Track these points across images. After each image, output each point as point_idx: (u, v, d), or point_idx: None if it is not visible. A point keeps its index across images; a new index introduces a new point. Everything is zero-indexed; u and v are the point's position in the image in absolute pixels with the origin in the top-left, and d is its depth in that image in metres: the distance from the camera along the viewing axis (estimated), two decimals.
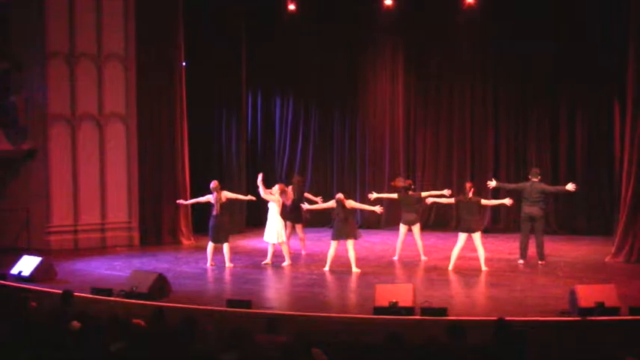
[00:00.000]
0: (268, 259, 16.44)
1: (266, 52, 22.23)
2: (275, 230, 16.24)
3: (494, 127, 21.23)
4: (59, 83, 18.73)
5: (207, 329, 9.08)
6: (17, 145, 18.90)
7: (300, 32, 21.82)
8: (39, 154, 18.79)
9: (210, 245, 16.32)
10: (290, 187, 17.40)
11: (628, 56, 16.50)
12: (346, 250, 15.66)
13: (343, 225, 15.53)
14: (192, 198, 19.64)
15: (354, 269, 15.45)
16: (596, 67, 19.78)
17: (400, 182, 17.16)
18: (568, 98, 20.64)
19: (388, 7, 20.38)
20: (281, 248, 16.41)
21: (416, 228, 16.68)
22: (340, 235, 15.59)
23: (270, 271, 15.91)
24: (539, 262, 15.94)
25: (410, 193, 16.77)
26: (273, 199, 16.38)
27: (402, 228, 16.75)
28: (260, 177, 16.63)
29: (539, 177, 16.23)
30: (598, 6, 19.16)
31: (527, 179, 16.34)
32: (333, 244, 15.69)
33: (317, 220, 21.03)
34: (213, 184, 16.42)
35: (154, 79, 19.43)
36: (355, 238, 15.62)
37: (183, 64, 19.87)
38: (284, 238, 16.39)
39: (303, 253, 17.61)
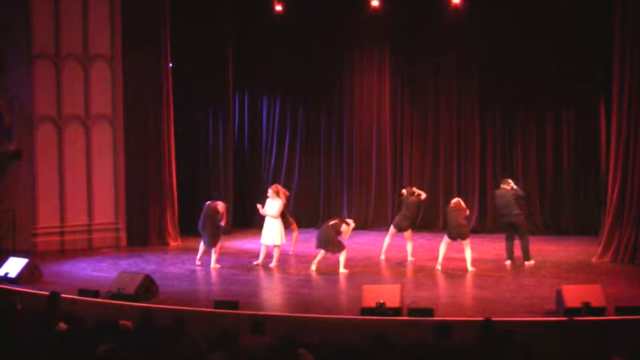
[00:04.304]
0: (260, 260, 16.44)
1: (253, 52, 22.20)
2: (277, 233, 16.27)
3: (481, 129, 21.25)
4: (45, 84, 18.68)
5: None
6: (3, 146, 18.83)
7: (287, 32, 21.81)
8: (25, 155, 18.73)
9: (202, 244, 16.40)
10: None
11: (613, 59, 16.58)
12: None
13: (333, 237, 15.58)
14: (178, 198, 19.78)
15: (342, 270, 15.49)
16: (582, 70, 19.85)
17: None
18: (555, 99, 20.69)
19: (375, 7, 20.44)
20: (273, 250, 16.42)
21: (407, 232, 16.78)
22: (329, 248, 15.63)
23: (257, 272, 15.93)
24: (526, 263, 16.00)
25: (412, 198, 16.85)
26: (277, 205, 16.34)
27: (392, 230, 16.85)
28: (259, 207, 16.55)
29: (510, 185, 16.40)
30: (584, 10, 19.23)
31: (499, 188, 16.48)
32: (322, 252, 15.77)
33: (305, 221, 21.09)
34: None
35: (140, 80, 19.40)
36: (344, 248, 15.67)
37: (170, 64, 19.86)
38: (282, 241, 16.42)
39: (292, 251, 17.64)
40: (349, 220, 15.80)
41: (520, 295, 13.34)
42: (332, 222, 15.89)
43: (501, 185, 16.60)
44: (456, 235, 15.53)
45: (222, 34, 21.48)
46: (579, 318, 11.22)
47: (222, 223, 16.36)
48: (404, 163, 21.90)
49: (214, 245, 16.23)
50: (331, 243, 15.53)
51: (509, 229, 16.27)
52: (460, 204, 15.96)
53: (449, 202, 16.38)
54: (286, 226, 17.24)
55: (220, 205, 16.36)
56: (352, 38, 22.10)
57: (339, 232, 15.53)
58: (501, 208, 16.31)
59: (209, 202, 16.56)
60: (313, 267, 15.73)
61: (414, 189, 17.18)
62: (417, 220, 20.96)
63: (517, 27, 20.28)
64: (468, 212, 16.16)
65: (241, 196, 22.18)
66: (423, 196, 17.07)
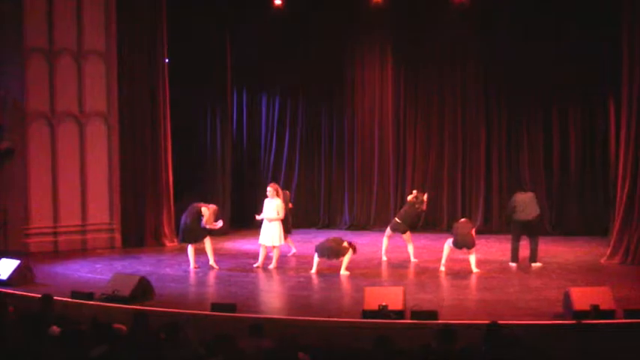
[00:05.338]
0: (260, 262, 16.33)
1: (252, 48, 22.19)
2: (276, 233, 16.16)
3: (486, 127, 21.26)
4: (38, 80, 18.65)
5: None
6: None
7: (287, 28, 21.79)
8: (17, 153, 18.71)
9: (190, 248, 16.29)
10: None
11: (622, 56, 16.57)
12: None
13: (335, 247, 15.59)
14: (175, 199, 19.74)
15: (343, 272, 15.45)
16: (590, 67, 19.84)
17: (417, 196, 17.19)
18: (562, 98, 20.69)
19: (377, 2, 20.45)
20: (272, 251, 16.35)
21: (405, 235, 16.75)
22: (332, 255, 15.61)
23: (256, 274, 15.90)
24: (532, 265, 15.97)
25: (417, 205, 16.83)
26: (276, 205, 16.21)
27: (388, 231, 16.90)
28: (257, 217, 16.46)
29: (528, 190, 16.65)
30: (592, 7, 19.21)
31: (516, 194, 16.48)
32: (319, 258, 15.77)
33: (305, 221, 21.07)
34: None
35: (136, 76, 19.40)
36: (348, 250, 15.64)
37: (166, 60, 19.83)
38: (281, 242, 16.32)
39: (293, 252, 17.65)
40: (355, 244, 15.75)
41: (526, 298, 13.30)
42: (335, 236, 15.99)
43: (524, 190, 16.73)
44: (462, 244, 15.53)
45: (221, 29, 21.49)
46: (588, 321, 11.19)
47: (208, 226, 16.16)
48: (407, 161, 21.91)
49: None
50: (333, 252, 15.52)
51: (520, 229, 16.15)
52: (468, 221, 16.12)
53: (456, 219, 16.63)
54: (287, 230, 17.12)
55: (206, 208, 16.20)
56: (354, 33, 22.11)
57: (340, 244, 15.55)
58: (522, 205, 16.07)
59: (195, 203, 16.47)
60: (313, 270, 15.69)
61: (425, 197, 17.17)
62: (419, 224, 20.86)
63: (523, 21, 20.28)
64: (475, 233, 16.07)
65: (240, 196, 22.17)
66: (424, 207, 17.17)
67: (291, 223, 17.71)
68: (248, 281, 15.26)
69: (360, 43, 22.21)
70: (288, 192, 18.50)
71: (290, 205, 17.79)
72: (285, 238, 16.96)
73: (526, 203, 16.09)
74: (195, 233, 16.11)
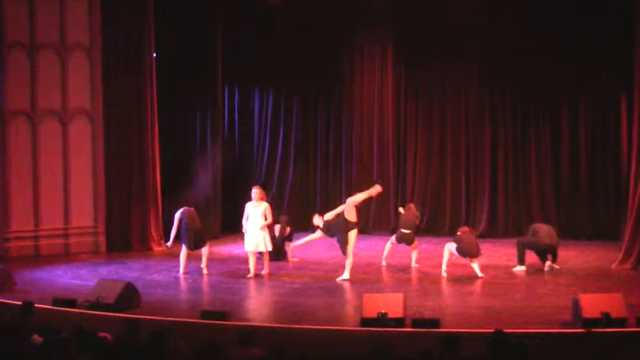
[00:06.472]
0: (252, 273, 16.02)
1: (244, 43, 22.13)
2: (265, 238, 16.04)
3: (492, 127, 21.19)
4: (18, 76, 18.60)
5: None
6: None
7: (282, 22, 21.75)
8: None
9: (184, 252, 16.27)
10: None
11: (634, 52, 16.60)
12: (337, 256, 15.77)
13: (342, 238, 15.62)
14: (163, 200, 19.75)
15: (342, 277, 15.43)
16: (600, 64, 19.86)
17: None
18: (571, 96, 20.66)
19: None
20: (262, 258, 16.29)
21: (414, 243, 16.81)
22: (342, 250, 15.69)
23: (248, 280, 15.87)
24: (555, 265, 16.13)
25: (411, 214, 16.93)
26: (265, 208, 15.93)
27: (393, 239, 16.94)
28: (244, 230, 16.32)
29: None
30: (602, 2, 19.23)
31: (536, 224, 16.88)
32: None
33: (300, 226, 21.05)
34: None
35: (122, 72, 19.36)
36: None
37: (154, 55, 19.81)
38: (268, 248, 16.13)
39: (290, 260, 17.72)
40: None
41: (533, 305, 13.32)
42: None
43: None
44: (467, 253, 15.58)
45: (211, 23, 21.39)
46: (598, 330, 11.21)
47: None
48: (407, 163, 21.88)
49: (198, 247, 16.22)
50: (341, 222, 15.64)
51: (538, 250, 16.31)
52: (472, 230, 16.52)
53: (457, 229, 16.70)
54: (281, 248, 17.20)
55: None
56: (353, 29, 22.07)
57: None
58: (545, 231, 16.37)
59: (185, 207, 16.46)
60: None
61: (412, 205, 17.34)
62: (421, 227, 20.82)
63: (529, 17, 20.26)
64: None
65: (231, 198, 22.11)
66: (417, 222, 17.47)
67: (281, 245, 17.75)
68: (240, 287, 15.28)
69: (360, 38, 22.12)
70: (285, 217, 18.39)
71: (288, 229, 17.78)
72: (288, 246, 17.43)
73: (549, 231, 16.32)
74: (202, 235, 16.30)
